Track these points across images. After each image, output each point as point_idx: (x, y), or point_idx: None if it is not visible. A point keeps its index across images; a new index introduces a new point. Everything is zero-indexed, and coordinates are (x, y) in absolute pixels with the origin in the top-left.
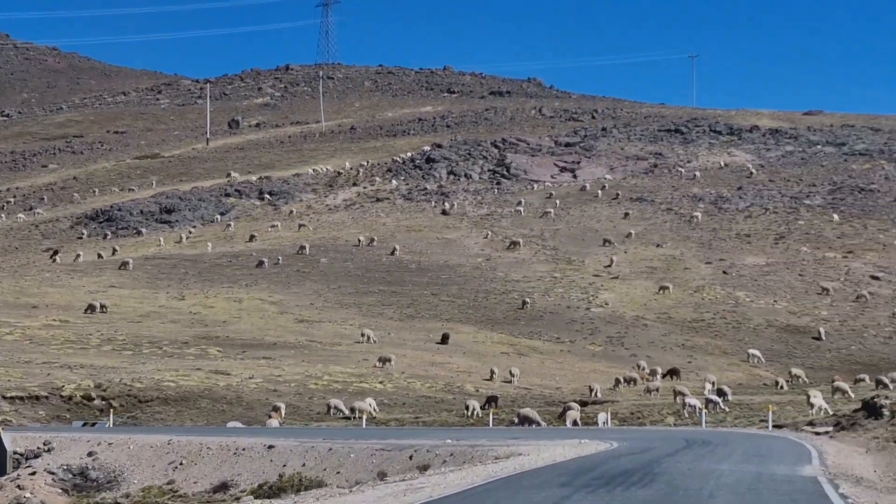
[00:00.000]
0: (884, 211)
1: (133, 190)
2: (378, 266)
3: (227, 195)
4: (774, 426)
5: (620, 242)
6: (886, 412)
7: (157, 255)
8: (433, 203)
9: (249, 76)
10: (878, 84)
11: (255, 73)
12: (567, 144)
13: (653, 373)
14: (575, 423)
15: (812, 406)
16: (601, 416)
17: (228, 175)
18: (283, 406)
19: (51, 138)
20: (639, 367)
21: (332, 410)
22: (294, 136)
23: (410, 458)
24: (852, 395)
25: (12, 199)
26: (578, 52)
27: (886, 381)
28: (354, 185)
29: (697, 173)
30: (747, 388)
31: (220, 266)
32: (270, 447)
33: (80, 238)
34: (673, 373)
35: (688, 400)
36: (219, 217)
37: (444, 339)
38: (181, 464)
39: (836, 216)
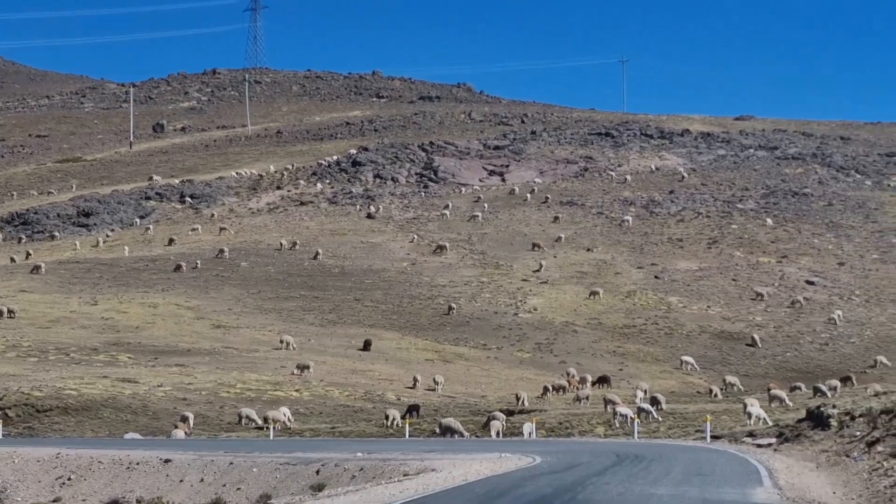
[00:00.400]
0: (818, 215)
1: (52, 193)
2: (300, 270)
3: (148, 198)
4: (711, 437)
5: (550, 247)
6: (834, 423)
7: (73, 259)
8: (358, 206)
9: (176, 80)
10: (809, 90)
11: (181, 78)
12: (496, 148)
13: (582, 380)
14: (499, 433)
15: (749, 416)
16: (527, 427)
17: (150, 178)
18: (191, 416)
19: None
20: (568, 374)
21: (243, 420)
22: (219, 140)
23: (317, 472)
24: (790, 404)
25: None
26: (508, 57)
27: (824, 389)
28: (278, 188)
29: (628, 177)
30: (680, 396)
31: (136, 270)
32: (167, 461)
33: None
34: (603, 380)
35: (619, 409)
36: (138, 221)
37: (367, 346)
38: (69, 479)
39: (769, 220)
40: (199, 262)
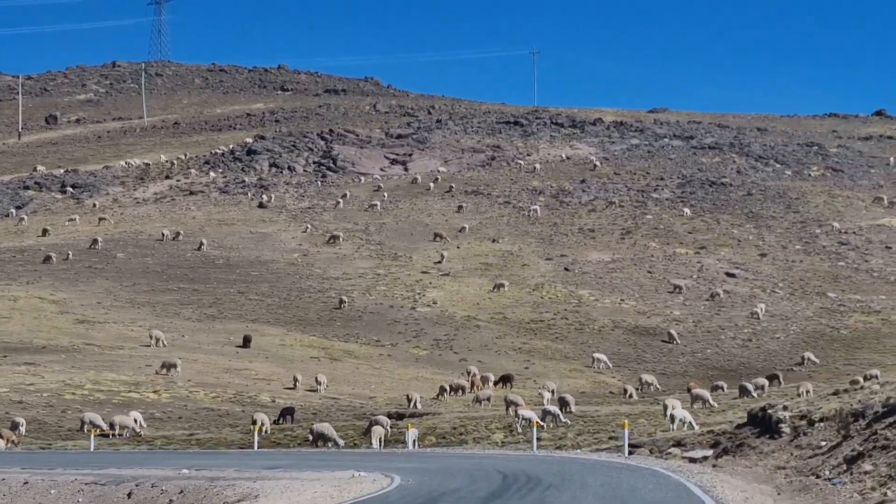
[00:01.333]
0: (737, 205)
1: None
2: (181, 262)
3: (26, 188)
4: (630, 446)
5: (453, 237)
6: (786, 429)
7: None
8: (250, 196)
9: (74, 73)
10: (723, 83)
11: (80, 70)
12: (399, 136)
13: (484, 380)
14: (381, 441)
15: (672, 419)
16: (409, 435)
17: (35, 169)
18: (22, 422)
19: None
20: (468, 373)
21: (86, 426)
22: (113, 131)
23: (129, 495)
24: (715, 405)
25: None
26: (416, 49)
27: (751, 388)
28: (167, 177)
29: (538, 166)
30: (592, 397)
31: (1, 262)
32: None
33: None
34: (506, 380)
35: (521, 412)
36: (14, 211)
37: (246, 342)
38: None
39: (687, 210)
40: (70, 253)
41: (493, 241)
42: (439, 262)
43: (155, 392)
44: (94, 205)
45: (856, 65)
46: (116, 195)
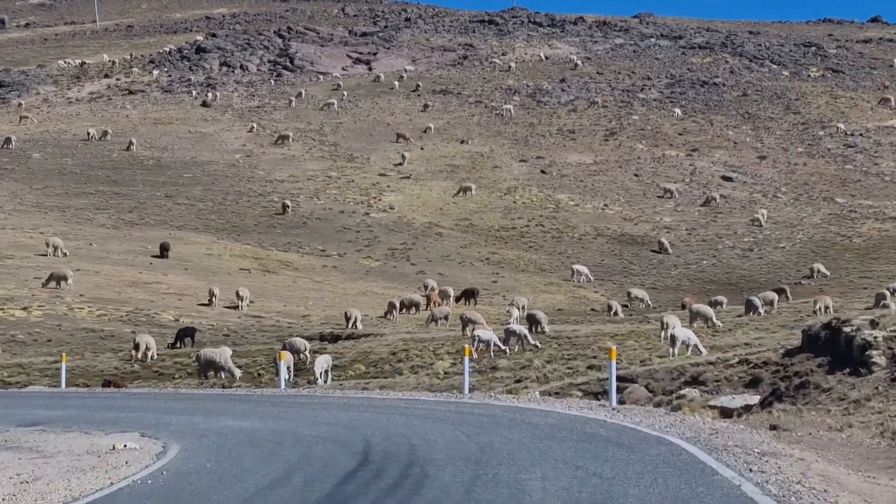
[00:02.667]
0: (731, 106)
1: None
2: (105, 163)
3: None
4: (618, 381)
5: (417, 138)
6: (880, 360)
7: None
8: (194, 95)
9: None
10: None
11: None
12: (363, 35)
13: (443, 295)
14: (291, 370)
15: (673, 341)
16: (319, 363)
17: None
18: None
19: None
20: (425, 287)
21: None
22: (62, 34)
23: None
24: (719, 324)
25: None
26: None
27: (758, 303)
28: (107, 76)
29: (513, 65)
30: (570, 314)
31: None
32: None
33: None
34: (470, 295)
35: (479, 332)
36: None
37: (163, 252)
38: None
39: (678, 111)
40: None
41: (462, 142)
42: (400, 163)
43: (24, 309)
44: (20, 104)
45: None
46: (48, 95)
